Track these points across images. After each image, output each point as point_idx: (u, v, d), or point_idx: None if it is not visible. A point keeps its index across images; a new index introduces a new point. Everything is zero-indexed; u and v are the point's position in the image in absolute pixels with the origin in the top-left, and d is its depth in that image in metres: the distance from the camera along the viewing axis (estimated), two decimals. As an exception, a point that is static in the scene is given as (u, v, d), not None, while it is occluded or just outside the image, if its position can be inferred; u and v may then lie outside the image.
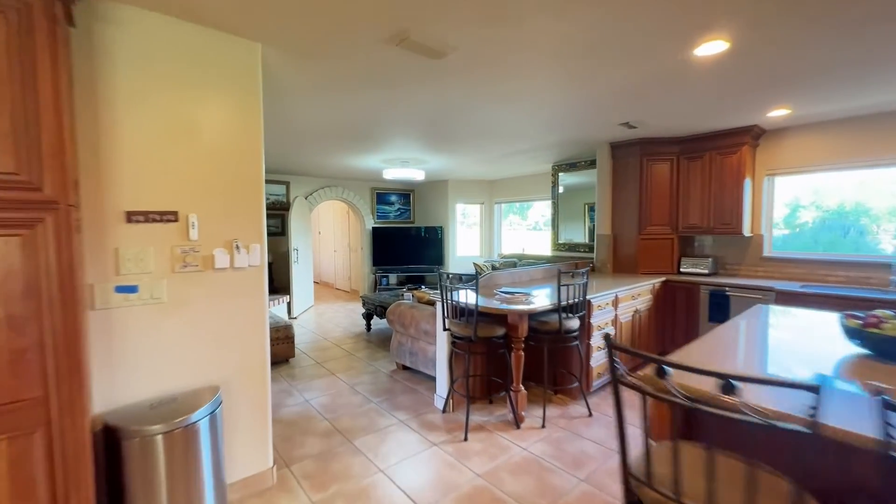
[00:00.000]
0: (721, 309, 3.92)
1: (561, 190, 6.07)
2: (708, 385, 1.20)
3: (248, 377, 2.16)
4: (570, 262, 5.08)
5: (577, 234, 5.90)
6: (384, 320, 5.07)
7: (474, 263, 6.16)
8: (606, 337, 1.07)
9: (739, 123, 3.84)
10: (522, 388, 2.96)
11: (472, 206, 8.30)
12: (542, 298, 3.12)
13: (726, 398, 0.83)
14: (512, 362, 2.96)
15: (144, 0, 1.76)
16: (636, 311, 3.89)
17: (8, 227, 1.34)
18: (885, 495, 1.06)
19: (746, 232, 4.08)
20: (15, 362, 1.36)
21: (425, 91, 2.89)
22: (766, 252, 4.20)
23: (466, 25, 1.98)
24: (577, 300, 3.03)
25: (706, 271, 4.30)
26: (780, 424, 0.78)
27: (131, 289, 1.82)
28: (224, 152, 2.05)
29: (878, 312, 1.63)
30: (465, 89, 2.85)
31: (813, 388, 0.75)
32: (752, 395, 1.10)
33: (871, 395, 1.13)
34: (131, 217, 1.81)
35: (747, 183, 4.06)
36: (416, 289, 6.18)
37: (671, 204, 4.49)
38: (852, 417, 0.99)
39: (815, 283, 3.80)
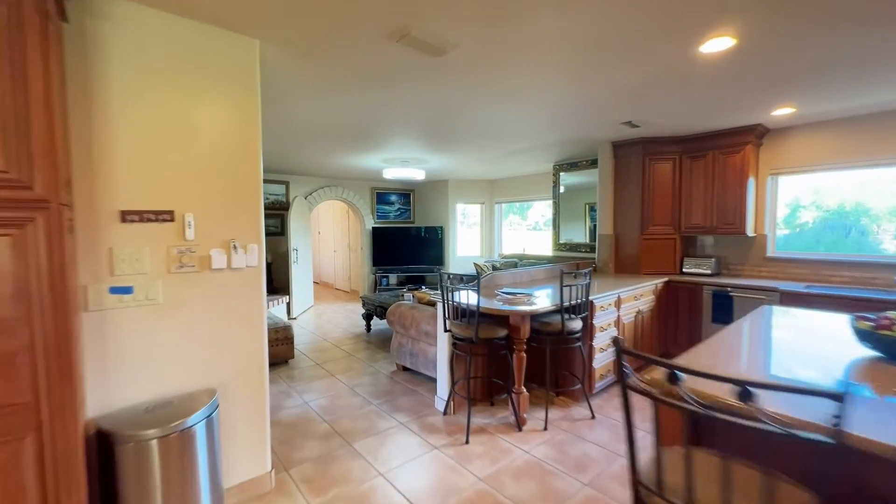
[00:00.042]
0: (724, 310, 3.88)
1: (562, 190, 6.03)
2: (720, 390, 1.16)
3: (245, 380, 2.13)
4: (571, 263, 5.04)
5: (578, 234, 5.86)
6: (384, 321, 5.03)
7: (475, 264, 6.12)
8: (616, 340, 1.03)
9: (743, 122, 3.80)
10: (524, 390, 2.92)
11: (473, 206, 8.26)
12: (543, 299, 3.09)
13: (743, 405, 0.79)
14: (514, 364, 2.92)
15: (139, -5, 1.73)
16: (639, 312, 3.85)
17: (-3, 226, 1.30)
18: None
19: (750, 232, 4.05)
20: (4, 366, 1.32)
21: (426, 90, 2.85)
22: (770, 252, 4.16)
23: (467, 21, 1.94)
24: (579, 301, 2.99)
25: (709, 271, 4.27)
26: (802, 434, 0.74)
27: (126, 290, 1.78)
28: (222, 151, 2.02)
29: (891, 314, 1.59)
30: (465, 88, 2.82)
31: (837, 397, 0.71)
32: (765, 402, 1.07)
33: None
34: (126, 216, 1.77)
35: (751, 182, 4.02)
36: (416, 289, 6.14)
37: (673, 204, 4.45)
38: (877, 425, 0.95)
39: (819, 283, 3.76)
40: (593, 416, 3.06)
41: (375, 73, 2.57)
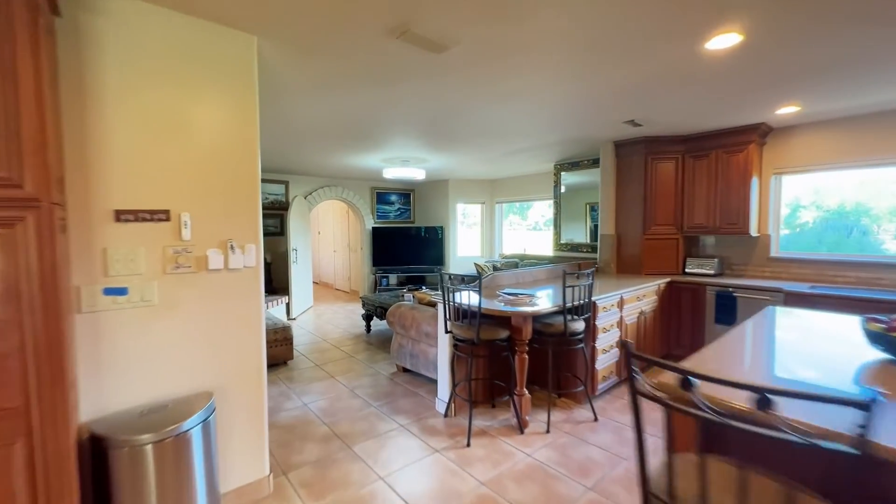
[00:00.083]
0: (728, 310, 3.84)
1: (563, 189, 5.99)
2: (734, 396, 1.12)
3: (243, 382, 2.09)
4: (572, 263, 5.01)
5: (579, 234, 5.82)
6: (384, 321, 4.99)
7: (475, 264, 6.08)
8: (624, 344, 1.00)
9: (747, 121, 3.76)
10: (526, 392, 2.88)
11: (473, 206, 8.22)
12: (545, 300, 3.05)
13: (762, 413, 0.75)
14: (516, 365, 2.88)
15: (134, -11, 1.69)
16: (641, 313, 3.82)
17: (-15, 226, 1.26)
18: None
19: (753, 232, 4.01)
20: (-7, 370, 1.28)
21: (426, 88, 2.81)
22: (774, 252, 4.12)
23: (469, 17, 1.90)
24: (582, 302, 2.95)
25: (712, 272, 4.23)
26: (825, 444, 0.71)
27: (120, 291, 1.74)
28: (219, 149, 1.98)
29: (904, 316, 1.55)
30: (466, 86, 2.78)
31: (863, 405, 0.67)
32: (783, 408, 1.03)
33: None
34: (120, 216, 1.73)
35: (754, 182, 3.98)
36: (416, 289, 6.10)
37: (676, 203, 4.41)
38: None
39: (824, 284, 3.72)
40: (596, 419, 3.02)
41: (375, 71, 2.53)
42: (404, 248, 7.93)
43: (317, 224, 10.36)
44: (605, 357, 3.38)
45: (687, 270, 4.39)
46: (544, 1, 1.78)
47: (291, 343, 4.29)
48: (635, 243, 4.54)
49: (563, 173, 5.97)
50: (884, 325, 1.57)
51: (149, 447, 1.59)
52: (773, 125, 3.93)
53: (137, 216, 1.77)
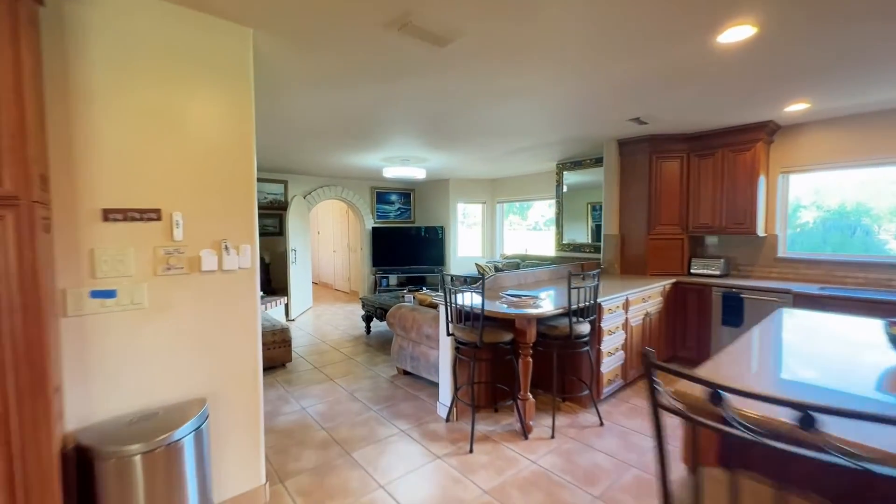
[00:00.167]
0: (735, 312, 3.77)
1: (565, 189, 5.92)
2: (762, 407, 1.04)
3: (238, 388, 2.01)
4: (575, 263, 4.93)
5: (581, 234, 5.75)
6: (384, 322, 4.91)
7: (476, 264, 6.01)
8: (645, 354, 0.92)
9: (755, 119, 3.68)
10: (530, 397, 2.80)
11: (473, 206, 8.15)
12: (549, 302, 2.97)
13: (805, 433, 0.68)
14: (519, 369, 2.80)
15: (122, -23, 1.61)
16: (647, 314, 3.74)
17: (-40, 225, 1.18)
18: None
19: (761, 232, 3.93)
20: (-31, 378, 1.21)
21: (427, 85, 2.73)
22: (781, 253, 4.05)
23: (472, 9, 1.83)
24: (587, 303, 2.87)
25: (718, 272, 4.15)
26: (880, 470, 0.63)
27: (108, 293, 1.66)
28: (213, 145, 1.90)
29: (931, 320, 1.47)
30: (468, 83, 2.70)
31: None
32: (826, 425, 0.95)
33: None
34: (108, 215, 1.65)
35: (761, 181, 3.90)
36: (416, 290, 6.03)
37: (681, 203, 4.34)
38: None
39: (833, 285, 3.64)
40: (602, 423, 2.94)
41: (375, 66, 2.45)
42: (404, 248, 7.85)
43: (316, 224, 10.28)
44: (611, 360, 3.30)
45: (692, 271, 4.32)
46: (552, -10, 1.70)
47: (290, 345, 4.21)
48: (639, 243, 4.46)
49: (565, 172, 5.89)
50: (909, 330, 1.49)
51: (137, 458, 1.51)
52: (781, 123, 3.85)
53: (126, 215, 1.69)
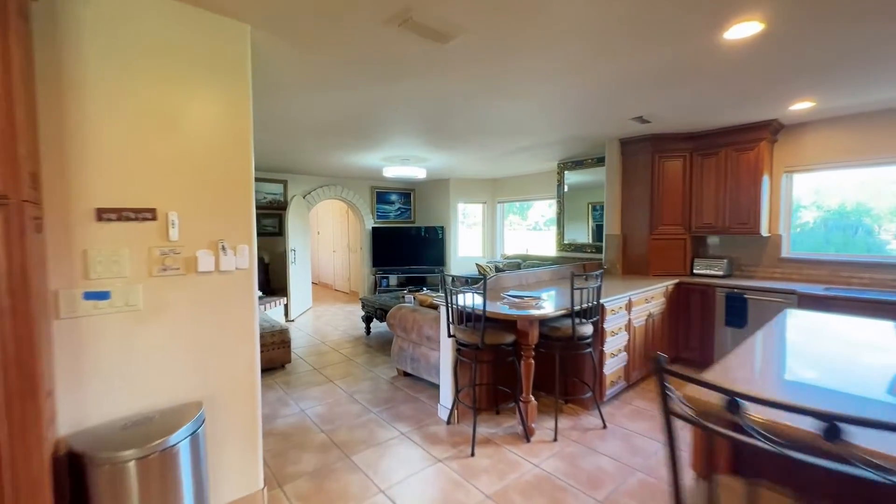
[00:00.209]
0: (738, 313, 3.73)
1: (566, 189, 5.88)
2: (777, 414, 1.00)
3: (235, 391, 1.97)
4: (577, 264, 4.90)
5: (581, 234, 5.72)
6: (384, 323, 4.87)
7: (477, 265, 5.97)
8: (657, 359, 0.88)
9: (759, 118, 3.64)
10: (533, 399, 2.77)
11: (473, 206, 8.11)
12: (551, 302, 2.93)
13: (830, 444, 0.64)
14: (521, 371, 2.76)
15: (116, -29, 1.57)
16: (650, 315, 3.70)
17: (-54, 225, 1.15)
18: None
19: (764, 232, 3.90)
20: (-45, 383, 1.17)
21: (427, 83, 2.69)
22: (785, 253, 4.01)
23: (474, 4, 1.79)
24: (590, 304, 2.83)
25: (721, 273, 4.11)
26: (913, 485, 0.59)
27: (102, 295, 1.62)
28: (209, 143, 1.86)
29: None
30: (469, 80, 2.66)
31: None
32: (851, 435, 0.91)
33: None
34: (102, 215, 1.62)
35: (765, 180, 3.87)
36: (417, 290, 5.98)
37: (684, 202, 4.30)
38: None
39: (838, 285, 3.61)
40: (605, 426, 2.90)
41: (375, 64, 2.41)
42: (404, 248, 7.82)
43: (316, 224, 10.24)
44: (613, 361, 3.26)
45: (695, 271, 4.28)
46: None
47: (289, 346, 4.18)
48: (642, 243, 4.42)
49: (566, 172, 5.85)
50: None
51: (131, 464, 1.48)
52: (785, 122, 3.82)
53: (121, 215, 1.65)
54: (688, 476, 1.10)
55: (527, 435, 2.74)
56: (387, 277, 7.72)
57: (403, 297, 5.16)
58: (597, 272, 2.83)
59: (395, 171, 5.76)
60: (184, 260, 1.80)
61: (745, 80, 2.70)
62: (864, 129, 3.52)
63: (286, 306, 6.28)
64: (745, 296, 3.70)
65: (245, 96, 1.96)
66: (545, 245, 7.20)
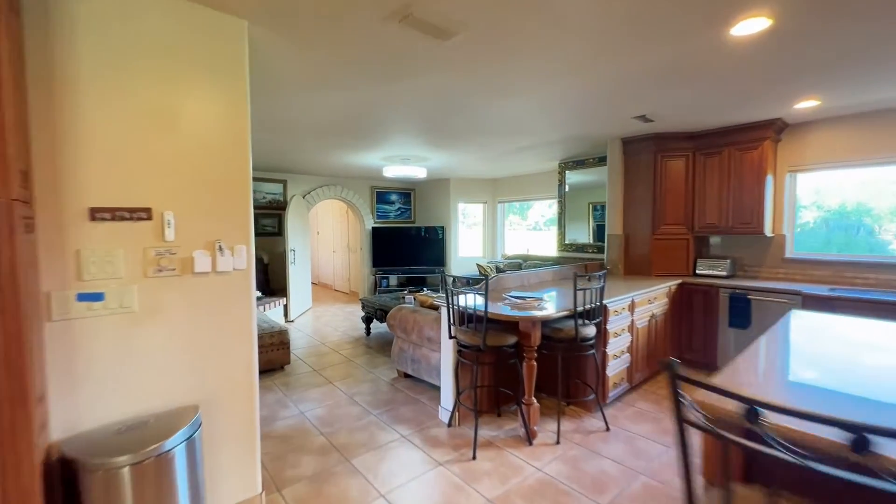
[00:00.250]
0: (742, 314, 3.69)
1: (567, 188, 5.84)
2: (800, 424, 0.97)
3: (232, 394, 1.93)
4: (578, 264, 4.86)
5: (582, 234, 5.68)
6: (384, 323, 4.84)
7: (477, 265, 5.93)
8: (669, 365, 0.84)
9: (763, 117, 3.61)
10: (535, 401, 2.73)
11: (474, 206, 8.07)
12: (553, 303, 2.90)
13: (858, 456, 0.60)
14: (524, 373, 2.73)
15: (110, -35, 1.54)
16: (652, 316, 3.67)
17: (-68, 225, 1.11)
18: None
19: (768, 232, 3.86)
20: (-58, 388, 1.13)
21: (428, 81, 2.66)
22: (788, 253, 3.97)
23: (474, 2, 1.75)
24: (593, 305, 2.80)
25: (724, 273, 4.07)
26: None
27: (96, 296, 1.59)
28: (206, 142, 1.82)
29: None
30: (471, 79, 2.62)
31: None
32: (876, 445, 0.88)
33: None
34: (96, 214, 1.58)
35: (769, 180, 3.83)
36: (417, 291, 5.95)
37: (686, 202, 4.26)
38: None
39: (842, 286, 3.57)
40: (608, 428, 2.86)
41: (375, 61, 2.37)
42: (405, 248, 7.78)
43: (316, 224, 10.20)
44: (616, 363, 3.23)
45: (698, 272, 4.24)
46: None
47: (288, 347, 4.14)
48: (644, 243, 4.39)
49: (567, 172, 5.82)
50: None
51: (125, 470, 1.44)
52: (789, 121, 3.78)
53: (115, 215, 1.62)
54: (698, 483, 1.07)
55: (529, 438, 2.70)
56: (387, 278, 7.68)
57: (404, 297, 5.12)
58: (599, 273, 2.79)
59: (396, 171, 5.72)
60: (180, 260, 1.76)
61: (752, 77, 2.66)
62: (869, 128, 3.49)
63: (285, 307, 6.24)
64: (749, 296, 3.66)
65: (243, 93, 1.92)
66: (545, 245, 7.17)
